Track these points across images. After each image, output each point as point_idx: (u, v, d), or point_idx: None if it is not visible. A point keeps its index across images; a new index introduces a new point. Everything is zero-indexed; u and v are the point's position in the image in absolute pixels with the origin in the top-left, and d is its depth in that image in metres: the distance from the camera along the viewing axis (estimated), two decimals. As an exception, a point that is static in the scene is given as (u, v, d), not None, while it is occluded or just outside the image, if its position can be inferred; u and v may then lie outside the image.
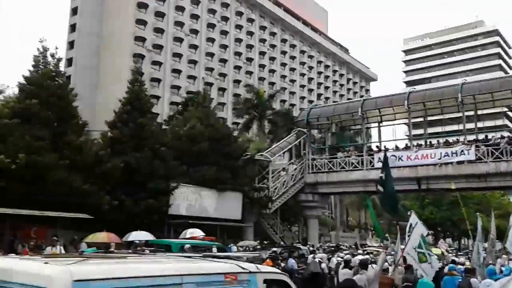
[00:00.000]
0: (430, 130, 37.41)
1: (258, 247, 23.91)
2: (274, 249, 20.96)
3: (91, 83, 57.44)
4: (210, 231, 22.96)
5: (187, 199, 26.00)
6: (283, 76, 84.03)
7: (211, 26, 71.81)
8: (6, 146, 18.73)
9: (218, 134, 28.31)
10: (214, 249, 17.04)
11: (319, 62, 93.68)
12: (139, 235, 18.77)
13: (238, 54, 75.63)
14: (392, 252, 16.07)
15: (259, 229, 31.79)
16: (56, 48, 22.97)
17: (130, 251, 8.96)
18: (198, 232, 20.39)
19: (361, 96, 69.86)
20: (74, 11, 62.26)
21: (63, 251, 14.76)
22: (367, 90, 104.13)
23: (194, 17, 69.31)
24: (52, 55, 22.38)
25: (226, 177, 27.62)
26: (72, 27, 62.07)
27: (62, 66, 24.35)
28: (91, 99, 53.97)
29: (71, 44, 61.23)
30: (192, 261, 5.10)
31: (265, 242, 28.29)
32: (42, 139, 19.59)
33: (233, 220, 28.30)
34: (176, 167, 25.06)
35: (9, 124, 19.38)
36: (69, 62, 58.76)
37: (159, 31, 64.12)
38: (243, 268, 4.88)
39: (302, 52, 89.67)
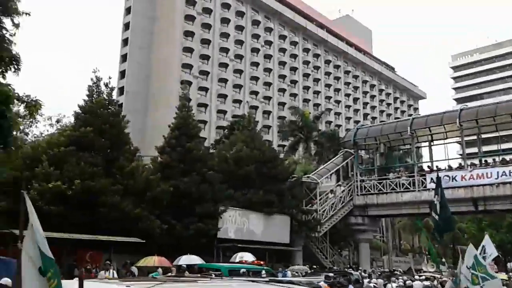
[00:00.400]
0: (485, 148, 35.68)
1: (308, 271, 23.44)
2: (329, 274, 20.45)
3: (141, 110, 59.42)
4: (259, 254, 22.81)
5: (235, 223, 26.05)
6: (328, 97, 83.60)
7: (255, 50, 72.92)
8: (62, 173, 19.59)
9: (264, 157, 28.37)
10: (263, 273, 16.89)
11: (365, 81, 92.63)
12: (189, 259, 18.93)
13: (282, 77, 76.16)
14: (452, 278, 15.27)
15: (308, 253, 31.24)
16: (109, 78, 24.09)
17: (198, 275, 9.11)
18: (248, 256, 20.31)
19: (410, 115, 68.20)
20: (125, 42, 65.12)
21: (115, 275, 15.07)
22: (416, 109, 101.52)
23: (239, 42, 70.71)
24: (106, 85, 23.45)
25: (273, 200, 27.53)
26: (123, 57, 64.82)
27: (114, 95, 25.36)
28: (141, 125, 55.76)
29: (122, 74, 63.85)
30: (259, 285, 5.14)
31: (315, 266, 27.71)
32: (96, 165, 20.36)
33: (281, 243, 28.00)
34: (223, 190, 25.26)
35: (65, 151, 20.31)
36: (121, 90, 61.19)
37: (205, 57, 65.85)
38: None
39: (347, 72, 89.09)
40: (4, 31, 16.01)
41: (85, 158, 20.40)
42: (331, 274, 20.30)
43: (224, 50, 68.55)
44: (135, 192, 21.25)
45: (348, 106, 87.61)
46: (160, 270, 17.66)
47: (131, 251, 19.74)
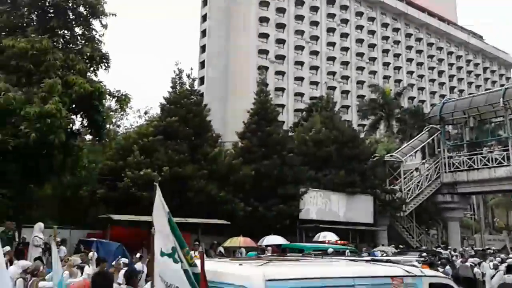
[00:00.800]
0: None
1: (394, 251, 23.04)
2: (422, 254, 19.91)
3: (221, 98, 61.15)
4: (341, 235, 22.84)
5: (317, 204, 26.22)
6: (410, 72, 79.95)
7: (331, 30, 71.59)
8: (152, 161, 20.98)
9: (344, 137, 28.11)
10: (347, 253, 16.95)
11: (450, 53, 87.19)
12: (272, 240, 19.50)
13: (360, 55, 74.10)
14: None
15: (393, 232, 30.60)
16: (191, 69, 25.18)
17: (300, 255, 9.47)
18: (331, 236, 20.44)
19: (502, 85, 63.23)
20: (203, 33, 67.13)
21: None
22: (508, 78, 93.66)
23: (314, 23, 69.83)
24: (188, 76, 24.57)
25: (355, 180, 27.27)
26: (202, 48, 66.93)
27: (195, 85, 26.47)
28: (222, 112, 57.43)
29: (202, 64, 66.04)
30: (361, 264, 5.42)
31: (401, 246, 27.12)
32: (182, 153, 21.53)
33: (364, 224, 27.73)
34: (304, 172, 25.49)
35: (153, 141, 21.70)
36: (201, 80, 63.39)
37: (280, 42, 65.97)
38: (409, 272, 4.93)
39: (430, 44, 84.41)
40: (94, 32, 17.45)
41: (172, 146, 21.65)
42: (424, 254, 19.68)
43: (299, 32, 68.11)
44: (218, 176, 22.20)
45: (432, 80, 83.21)
46: (243, 250, 18.43)
47: (217, 233, 20.74)
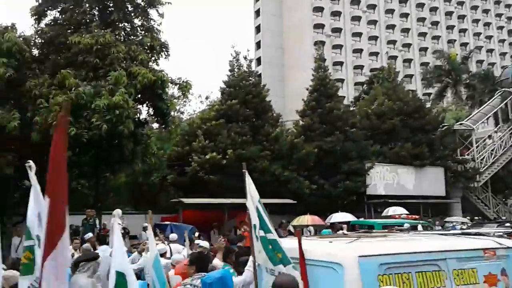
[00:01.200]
0: None
1: (469, 224, 22.08)
2: (490, 225, 18.96)
3: (278, 77, 60.95)
4: (412, 209, 22.20)
5: (384, 178, 25.61)
6: (477, 34, 75.09)
7: (388, -4, 68.67)
8: (216, 144, 21.38)
9: (408, 108, 27.07)
10: (420, 227, 16.48)
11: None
12: (340, 216, 19.32)
13: (421, 20, 70.51)
14: None
15: (467, 204, 29.29)
16: (247, 50, 25.24)
17: (386, 231, 9.42)
18: (400, 210, 19.94)
19: None
20: (257, 13, 66.78)
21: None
22: None
23: (370, -9, 67.29)
24: (245, 57, 24.63)
25: (423, 152, 26.28)
26: (257, 28, 66.69)
27: (252, 66, 26.51)
28: (280, 91, 57.27)
29: (258, 44, 65.91)
30: (451, 238, 5.39)
31: (476, 218, 25.95)
32: (244, 135, 21.76)
33: (436, 196, 26.75)
34: (368, 146, 24.94)
35: (216, 124, 22.08)
36: (258, 61, 63.35)
37: (336, 14, 64.23)
38: (501, 244, 4.82)
39: (497, 2, 78.55)
40: (152, 22, 17.88)
41: (234, 128, 21.91)
42: (508, 225, 18.57)
43: (355, 2, 65.91)
44: (281, 156, 22.25)
45: (501, 41, 77.67)
46: (311, 228, 18.41)
47: (283, 212, 20.87)
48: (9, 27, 14.52)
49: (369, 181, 24.53)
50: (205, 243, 9.52)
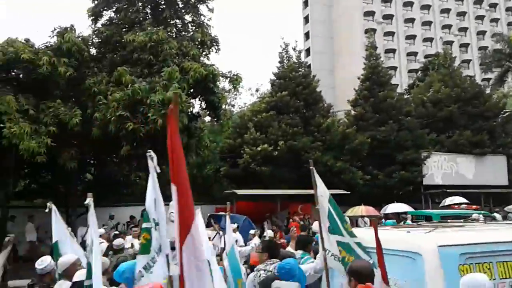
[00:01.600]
0: None
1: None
2: None
3: (328, 67, 60.10)
4: (472, 199, 21.31)
5: (441, 168, 24.73)
6: (541, 14, 70.44)
7: (442, -21, 65.77)
8: (267, 136, 21.49)
9: (467, 94, 25.94)
10: (475, 216, 15.79)
11: None
12: (395, 207, 18.86)
13: (478, 2, 67.04)
14: None
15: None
16: (296, 41, 25.13)
17: (455, 221, 9.24)
18: (458, 200, 19.20)
19: None
20: (305, 3, 66.07)
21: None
22: None
23: (422, -26, 64.70)
24: (294, 48, 24.55)
25: (483, 139, 25.12)
26: (306, 19, 66.01)
27: (302, 57, 26.35)
28: (330, 81, 56.51)
29: (306, 35, 65.27)
30: None
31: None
32: (295, 126, 21.74)
33: (498, 186, 25.51)
34: (424, 135, 24.19)
35: (267, 116, 22.17)
36: (307, 51, 62.75)
37: (387, 0, 62.34)
38: None
39: None
40: (202, 17, 18.18)
41: (285, 120, 21.93)
42: None
43: (407, -13, 63.66)
44: (333, 146, 22.05)
45: None
46: (367, 219, 18.10)
47: (337, 203, 20.65)
48: (69, 28, 15.23)
49: (425, 171, 23.79)
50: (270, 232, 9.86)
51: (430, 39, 62.88)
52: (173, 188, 2.53)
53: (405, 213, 18.02)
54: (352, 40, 57.75)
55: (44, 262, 5.24)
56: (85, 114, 14.34)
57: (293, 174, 21.04)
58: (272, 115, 22.14)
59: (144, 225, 4.08)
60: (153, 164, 4.03)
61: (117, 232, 11.93)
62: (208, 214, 18.38)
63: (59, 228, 6.33)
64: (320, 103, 23.83)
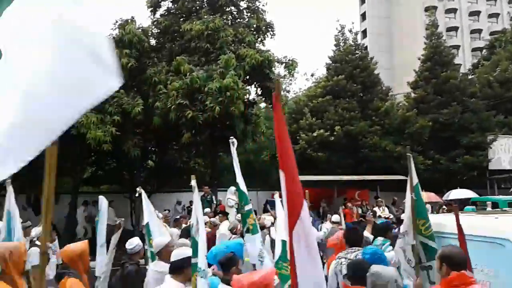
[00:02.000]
0: None
1: None
2: None
3: (386, 48, 58.16)
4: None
5: (509, 151, 23.38)
6: None
7: (510, -51, 61.34)
8: (323, 121, 21.27)
9: (539, 73, 24.31)
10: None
11: None
12: (459, 193, 18.15)
13: (552, -29, 62.05)
14: None
15: None
16: (352, 23, 24.55)
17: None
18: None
19: None
20: (360, -18, 64.10)
21: (386, 211, 15.79)
22: None
23: None
24: (350, 30, 24.00)
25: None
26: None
27: (358, 39, 25.68)
28: (388, 63, 54.71)
29: (363, 16, 63.43)
30: None
31: None
32: (351, 110, 21.35)
33: None
34: (491, 117, 22.94)
35: (322, 101, 21.92)
36: (364, 33, 61.02)
37: (448, -25, 59.22)
38: None
39: None
40: (257, 3, 18.14)
41: (341, 104, 21.57)
42: None
43: (470, -41, 60.02)
44: (392, 130, 21.47)
45: None
46: (428, 206, 17.52)
47: (396, 188, 20.16)
48: (129, 20, 15.73)
49: (491, 155, 22.60)
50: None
51: (495, 15, 59.10)
52: (281, 174, 2.56)
53: (469, 199, 17.31)
54: (411, 19, 55.49)
55: (133, 243, 5.73)
56: (147, 103, 14.84)
57: (350, 159, 20.75)
58: (328, 99, 21.85)
59: (247, 208, 4.90)
60: (234, 149, 4.31)
61: (178, 217, 12.33)
62: (265, 200, 18.60)
63: (149, 211, 6.86)
64: (378, 86, 23.22)
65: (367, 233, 7.47)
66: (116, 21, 15.79)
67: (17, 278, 3.52)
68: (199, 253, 3.84)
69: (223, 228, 9.89)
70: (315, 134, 20.54)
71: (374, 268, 3.38)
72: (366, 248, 4.60)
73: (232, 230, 9.56)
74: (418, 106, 22.97)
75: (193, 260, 3.91)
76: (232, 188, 15.27)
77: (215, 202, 15.57)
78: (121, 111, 14.17)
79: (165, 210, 12.76)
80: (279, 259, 4.95)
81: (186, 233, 8.62)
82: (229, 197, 15.02)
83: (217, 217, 11.68)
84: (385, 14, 60.85)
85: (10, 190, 6.22)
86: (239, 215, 12.36)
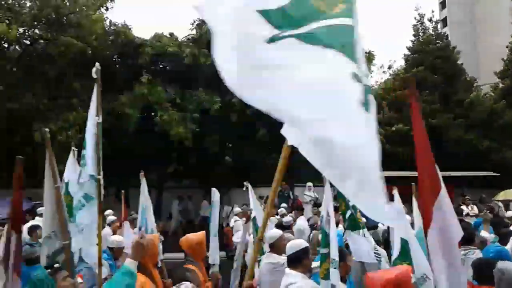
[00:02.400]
0: None
1: None
2: None
3: (469, 37, 54.82)
4: None
5: None
6: None
7: None
8: (402, 115, 20.51)
9: None
10: None
11: None
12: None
13: None
14: None
15: None
16: (432, 11, 23.50)
17: None
18: None
19: None
20: (440, -31, 60.95)
21: (475, 209, 14.94)
22: None
23: None
24: (430, 19, 22.94)
25: None
26: (441, -13, 60.95)
27: (439, 28, 24.47)
28: (472, 52, 51.43)
29: (442, 4, 60.32)
30: None
31: None
32: (433, 103, 20.41)
33: None
34: None
35: (401, 94, 21.13)
36: (444, 22, 57.93)
37: (539, -46, 54.52)
38: None
39: None
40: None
41: (422, 97, 20.67)
42: None
43: None
44: (479, 124, 20.25)
45: None
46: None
47: (485, 185, 18.98)
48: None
49: None
50: None
51: None
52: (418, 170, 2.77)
53: None
54: (496, 4, 51.85)
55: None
56: (224, 101, 15.20)
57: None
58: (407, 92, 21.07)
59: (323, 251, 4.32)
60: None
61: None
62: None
63: (255, 204, 7.10)
64: (461, 77, 21.98)
65: (484, 232, 7.14)
66: (194, 21, 16.33)
67: (152, 269, 3.75)
68: (331, 244, 3.87)
69: (299, 223, 9.93)
70: (393, 128, 19.90)
71: (502, 264, 3.37)
72: (489, 246, 4.47)
73: (313, 226, 9.59)
74: (506, 97, 21.45)
75: (324, 251, 3.93)
76: (309, 184, 15.27)
77: (291, 197, 15.63)
78: (201, 109, 14.64)
79: (243, 205, 13.04)
80: (396, 258, 4.73)
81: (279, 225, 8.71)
82: (304, 193, 15.04)
83: (293, 212, 11.77)
84: (467, 1, 57.41)
85: (144, 183, 6.62)
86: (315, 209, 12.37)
